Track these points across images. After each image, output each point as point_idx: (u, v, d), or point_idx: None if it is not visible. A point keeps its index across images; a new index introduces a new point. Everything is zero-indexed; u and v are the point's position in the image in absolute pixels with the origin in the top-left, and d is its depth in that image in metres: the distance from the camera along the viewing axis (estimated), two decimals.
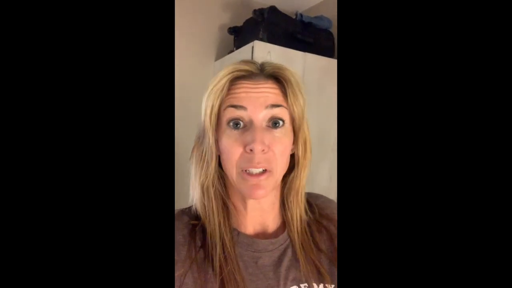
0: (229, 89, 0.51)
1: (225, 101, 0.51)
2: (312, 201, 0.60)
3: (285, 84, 0.52)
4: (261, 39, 1.47)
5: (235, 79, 0.52)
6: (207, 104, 0.51)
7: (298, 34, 1.55)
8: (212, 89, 0.51)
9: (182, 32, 1.64)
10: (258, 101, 0.50)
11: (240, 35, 1.67)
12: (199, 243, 0.52)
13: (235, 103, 0.50)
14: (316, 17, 1.64)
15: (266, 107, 0.49)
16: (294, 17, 1.60)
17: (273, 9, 1.53)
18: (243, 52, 1.52)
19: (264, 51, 1.43)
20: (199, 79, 1.76)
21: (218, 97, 0.51)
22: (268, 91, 0.51)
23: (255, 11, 1.51)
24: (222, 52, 1.81)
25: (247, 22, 1.64)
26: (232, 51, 1.67)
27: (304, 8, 1.95)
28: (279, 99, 0.51)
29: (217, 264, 0.49)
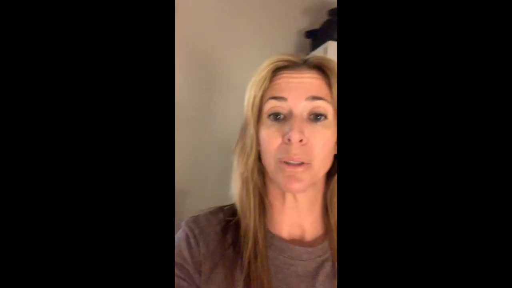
0: (271, 79, 0.51)
1: (267, 92, 0.51)
2: None
3: (330, 75, 0.49)
4: (336, 40, 1.42)
5: (278, 70, 0.51)
6: (249, 95, 0.51)
7: None
8: (254, 80, 0.51)
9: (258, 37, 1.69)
10: (298, 91, 0.48)
11: (317, 37, 1.64)
12: (229, 240, 0.51)
13: (276, 94, 0.49)
14: None
15: (307, 98, 0.48)
16: None
17: None
18: (318, 54, 1.49)
19: None
20: None
21: (260, 87, 0.51)
22: (310, 81, 0.49)
23: (330, 11, 1.47)
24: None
25: (324, 24, 1.61)
26: (308, 54, 1.65)
27: None
28: (321, 91, 0.49)
29: (246, 260, 0.48)
